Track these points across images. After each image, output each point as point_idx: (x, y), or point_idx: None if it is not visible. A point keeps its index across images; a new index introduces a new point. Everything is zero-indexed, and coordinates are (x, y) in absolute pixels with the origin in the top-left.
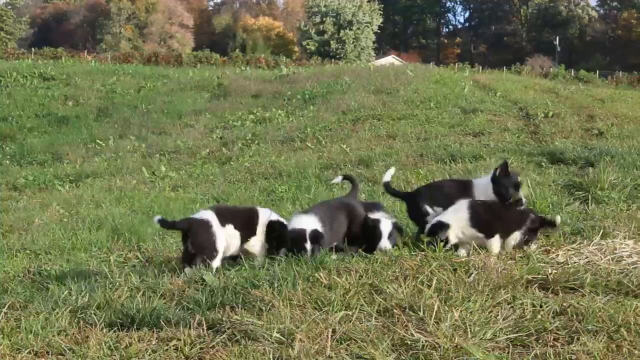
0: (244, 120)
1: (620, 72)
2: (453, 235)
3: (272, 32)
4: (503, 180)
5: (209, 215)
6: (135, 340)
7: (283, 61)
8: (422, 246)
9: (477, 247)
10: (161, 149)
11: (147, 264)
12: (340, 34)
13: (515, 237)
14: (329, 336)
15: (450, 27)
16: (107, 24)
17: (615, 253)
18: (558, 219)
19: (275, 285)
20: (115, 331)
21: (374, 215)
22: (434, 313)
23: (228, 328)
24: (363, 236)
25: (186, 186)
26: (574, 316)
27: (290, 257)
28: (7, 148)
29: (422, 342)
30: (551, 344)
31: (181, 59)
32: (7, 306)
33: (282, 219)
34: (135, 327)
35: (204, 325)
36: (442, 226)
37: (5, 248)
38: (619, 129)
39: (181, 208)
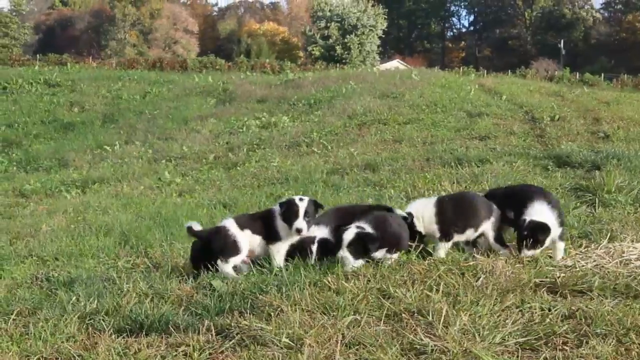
0: (250, 125)
1: (626, 74)
2: None
3: (277, 37)
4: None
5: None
6: (144, 346)
7: (288, 66)
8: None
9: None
10: (167, 154)
11: (155, 269)
12: (345, 39)
13: None
14: (338, 341)
15: (455, 31)
16: (112, 30)
17: (623, 256)
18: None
19: (284, 290)
20: (124, 337)
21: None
22: (443, 317)
23: (237, 333)
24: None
25: (192, 191)
26: (583, 320)
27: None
28: (13, 154)
29: (431, 347)
30: (560, 347)
31: (186, 64)
32: (15, 313)
33: None
34: (144, 333)
35: (213, 330)
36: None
37: (13, 254)
38: (625, 132)
39: (188, 214)
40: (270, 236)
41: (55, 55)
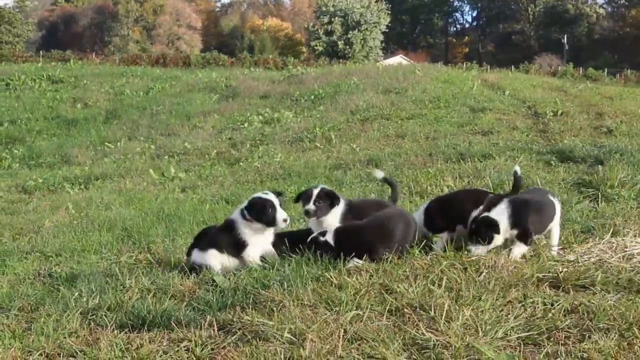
0: (253, 121)
1: (629, 69)
2: None
3: (280, 33)
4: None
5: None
6: (146, 341)
7: (291, 62)
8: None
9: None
10: (170, 150)
11: (157, 265)
12: (348, 34)
13: None
14: (340, 336)
15: (458, 26)
16: (115, 26)
17: (626, 251)
18: None
19: (286, 285)
20: (126, 332)
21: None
22: (445, 312)
23: (239, 329)
24: None
25: (195, 187)
26: (585, 314)
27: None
28: (16, 151)
29: (433, 342)
30: (562, 342)
31: (189, 60)
32: (17, 308)
33: None
34: (146, 328)
35: (215, 326)
36: None
37: (16, 250)
38: (628, 127)
39: (191, 209)
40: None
41: (58, 52)
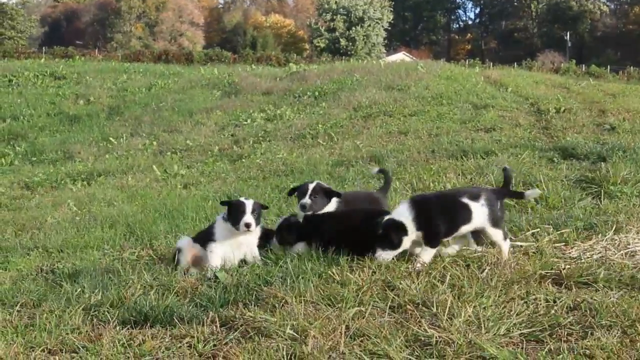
0: (255, 117)
1: (632, 67)
2: None
3: (282, 29)
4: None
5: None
6: (148, 337)
7: (293, 59)
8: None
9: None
10: (172, 146)
11: (159, 261)
12: (351, 31)
13: None
14: (343, 332)
15: (461, 23)
16: (118, 23)
17: (629, 248)
18: None
19: (288, 282)
20: (128, 329)
21: None
22: (447, 309)
23: (241, 325)
24: None
25: (198, 184)
26: (588, 311)
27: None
28: (19, 147)
29: (436, 338)
30: (565, 339)
31: (192, 57)
32: (20, 304)
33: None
34: (148, 324)
35: (217, 322)
36: None
37: (19, 246)
38: (631, 124)
39: (193, 206)
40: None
41: (61, 48)
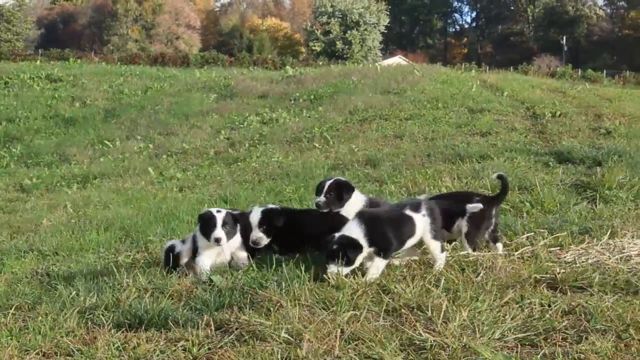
0: (251, 120)
1: (628, 71)
2: None
3: (279, 33)
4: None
5: None
6: (143, 340)
7: (289, 62)
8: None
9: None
10: (168, 149)
11: (155, 265)
12: (347, 35)
13: None
14: (337, 336)
15: (457, 27)
16: (114, 25)
17: (624, 252)
18: None
19: (283, 285)
20: (123, 332)
21: None
22: (442, 313)
23: (236, 328)
24: None
25: (193, 187)
26: (583, 315)
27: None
28: (14, 149)
29: (431, 342)
30: (560, 343)
31: (188, 59)
32: (15, 307)
33: None
34: (143, 327)
35: (212, 325)
36: None
37: (14, 249)
38: (627, 128)
39: (189, 209)
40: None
41: (57, 50)
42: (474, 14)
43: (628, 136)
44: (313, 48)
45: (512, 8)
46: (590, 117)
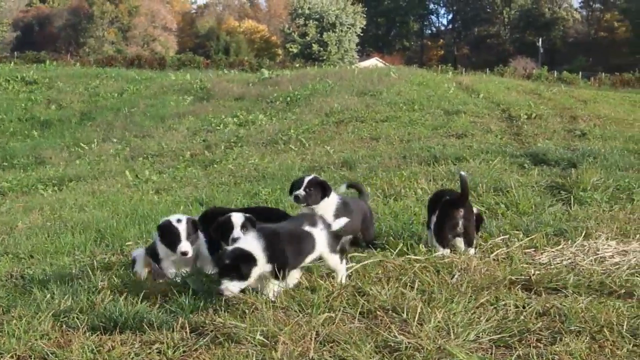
0: (227, 123)
1: (603, 73)
2: None
3: (256, 35)
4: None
5: None
6: (118, 343)
7: (266, 64)
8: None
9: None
10: (144, 152)
11: (130, 267)
12: (323, 36)
13: None
14: (313, 338)
15: (434, 29)
16: (90, 28)
17: (598, 254)
18: None
19: (259, 287)
20: (98, 335)
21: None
22: (417, 315)
23: (211, 331)
24: None
25: (169, 189)
26: (557, 317)
27: None
28: None
29: (405, 344)
30: (534, 344)
31: (164, 62)
32: None
33: None
34: (118, 330)
35: (187, 328)
36: None
37: None
38: (602, 130)
39: (165, 211)
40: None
41: (33, 53)
42: (450, 16)
43: (603, 138)
44: (290, 50)
45: (488, 10)
46: (566, 118)
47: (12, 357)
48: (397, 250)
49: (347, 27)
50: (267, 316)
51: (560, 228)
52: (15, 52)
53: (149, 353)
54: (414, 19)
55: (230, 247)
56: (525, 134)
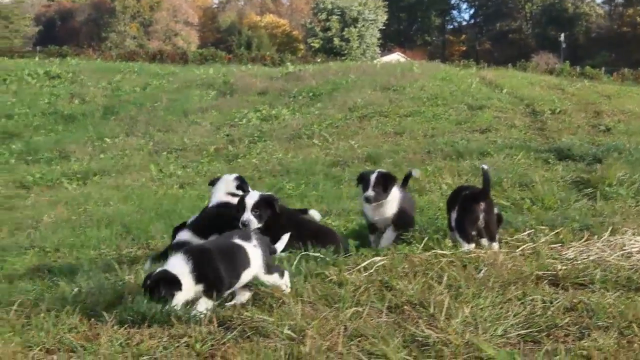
0: (251, 117)
1: (626, 68)
2: None
3: (277, 29)
4: None
5: None
6: (146, 337)
7: (288, 58)
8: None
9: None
10: (168, 146)
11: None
12: (345, 32)
13: None
14: (340, 333)
15: (455, 24)
16: (112, 22)
17: (625, 249)
18: None
19: None
20: (126, 328)
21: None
22: (445, 309)
23: (239, 325)
24: None
25: (193, 183)
26: (585, 312)
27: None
28: (14, 146)
29: (433, 339)
30: (562, 340)
31: (186, 56)
32: (17, 304)
33: None
34: (146, 324)
35: (215, 322)
36: None
37: (15, 246)
38: (626, 125)
39: (189, 205)
40: None
41: (56, 47)
42: (472, 11)
43: (628, 133)
44: (312, 45)
45: (510, 5)
46: (590, 114)
47: (41, 350)
48: (422, 245)
49: (369, 22)
50: (295, 310)
51: (586, 223)
52: (38, 47)
53: (177, 347)
54: (435, 14)
55: (157, 269)
56: (550, 129)
